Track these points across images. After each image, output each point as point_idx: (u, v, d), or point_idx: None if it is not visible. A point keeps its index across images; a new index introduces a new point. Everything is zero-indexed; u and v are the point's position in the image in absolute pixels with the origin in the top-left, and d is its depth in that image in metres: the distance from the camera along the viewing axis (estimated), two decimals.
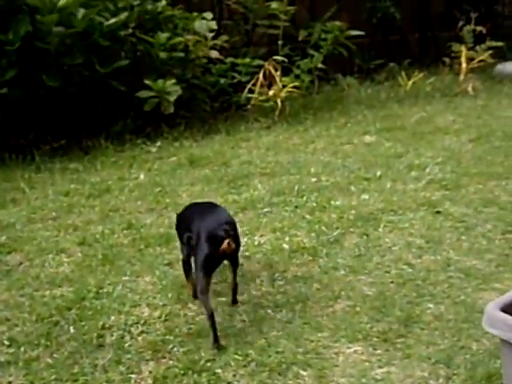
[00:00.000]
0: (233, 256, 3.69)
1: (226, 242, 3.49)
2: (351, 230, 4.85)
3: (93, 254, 4.63)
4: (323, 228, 4.88)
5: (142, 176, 6.25)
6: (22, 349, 3.52)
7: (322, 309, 3.82)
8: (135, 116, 7.71)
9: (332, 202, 5.34)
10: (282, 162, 6.59)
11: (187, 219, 3.92)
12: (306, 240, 4.71)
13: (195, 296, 3.88)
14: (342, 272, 4.25)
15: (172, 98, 7.53)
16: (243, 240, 4.71)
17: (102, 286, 4.16)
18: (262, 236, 4.84)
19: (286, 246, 4.63)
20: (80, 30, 6.96)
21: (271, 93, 8.10)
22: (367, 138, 7.32)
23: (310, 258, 4.47)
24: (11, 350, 3.52)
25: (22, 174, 6.48)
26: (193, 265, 3.80)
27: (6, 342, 3.58)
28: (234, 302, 3.91)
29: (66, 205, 5.60)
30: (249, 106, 8.21)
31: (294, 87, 8.29)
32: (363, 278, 4.17)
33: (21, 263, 4.57)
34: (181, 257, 4.03)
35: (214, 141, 7.56)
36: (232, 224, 3.66)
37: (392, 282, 4.09)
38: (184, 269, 3.98)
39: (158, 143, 7.43)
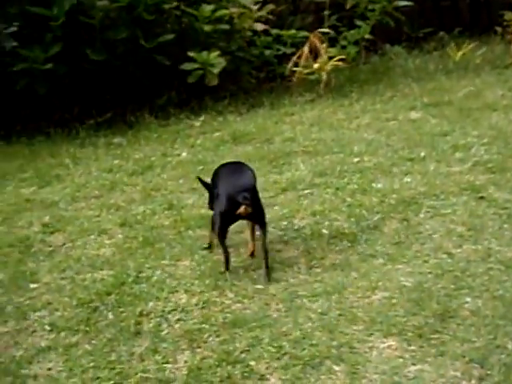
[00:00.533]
0: (253, 217, 4.17)
1: (243, 207, 4.01)
2: (392, 215, 4.80)
3: (133, 236, 4.69)
4: (364, 212, 4.84)
5: (184, 153, 6.27)
6: (63, 334, 3.60)
7: (359, 300, 3.81)
8: (179, 89, 7.72)
9: (373, 185, 5.28)
10: (325, 139, 6.54)
11: (217, 177, 4.41)
12: (345, 225, 4.68)
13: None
14: (381, 260, 4.22)
15: (216, 70, 7.52)
16: (283, 223, 4.75)
17: (142, 270, 4.22)
18: (301, 219, 4.83)
19: (325, 231, 4.62)
20: (124, 4, 6.98)
21: (316, 66, 8.02)
22: (413, 114, 7.20)
23: (349, 244, 4.45)
24: (52, 336, 3.61)
25: (67, 149, 6.57)
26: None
27: (47, 327, 3.67)
28: (267, 267, 4.08)
29: (108, 182, 5.67)
30: (293, 79, 8.13)
31: (340, 59, 8.17)
32: (401, 267, 4.14)
33: (63, 244, 4.66)
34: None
35: (257, 115, 7.54)
36: (252, 191, 4.12)
37: (430, 273, 4.05)
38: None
39: (202, 117, 7.45)
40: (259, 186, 5.39)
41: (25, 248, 4.59)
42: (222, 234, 4.14)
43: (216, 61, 7.52)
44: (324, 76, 7.97)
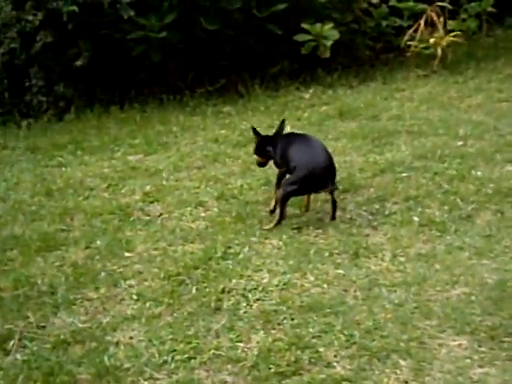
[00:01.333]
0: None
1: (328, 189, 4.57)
2: (487, 205, 4.73)
3: (228, 210, 4.85)
4: (458, 201, 4.79)
5: (288, 127, 6.33)
6: (148, 304, 3.82)
7: (437, 293, 3.81)
8: (291, 60, 7.76)
9: (473, 172, 5.20)
10: (432, 119, 6.45)
11: (292, 144, 4.72)
12: (437, 213, 4.66)
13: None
14: (467, 253, 4.19)
15: (329, 43, 7.52)
16: (375, 207, 4.77)
17: (230, 246, 4.38)
18: (394, 204, 4.84)
19: (416, 218, 4.61)
20: None
21: (432, 40, 7.84)
22: None
23: (438, 233, 4.43)
24: (138, 305, 3.83)
25: (177, 116, 6.80)
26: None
27: (134, 297, 3.90)
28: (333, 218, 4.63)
29: (212, 153, 5.85)
30: (408, 54, 7.99)
31: (457, 34, 7.94)
32: (487, 262, 4.09)
33: (160, 214, 4.88)
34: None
35: (368, 89, 7.51)
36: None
37: None
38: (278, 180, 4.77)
39: (312, 89, 7.49)
40: (358, 165, 5.50)
41: (124, 216, 4.84)
42: (287, 200, 4.55)
43: (329, 33, 7.51)
44: (439, 51, 7.78)
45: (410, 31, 7.96)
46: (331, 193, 4.62)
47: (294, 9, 7.61)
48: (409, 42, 7.94)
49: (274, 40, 7.67)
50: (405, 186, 5.10)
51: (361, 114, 6.67)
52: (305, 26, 7.48)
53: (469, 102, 6.92)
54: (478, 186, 4.98)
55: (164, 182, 5.36)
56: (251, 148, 5.90)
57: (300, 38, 7.54)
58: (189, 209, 4.93)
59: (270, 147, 4.82)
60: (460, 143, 5.78)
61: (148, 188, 5.25)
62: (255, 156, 5.00)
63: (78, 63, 6.89)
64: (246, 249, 4.34)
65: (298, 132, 5.18)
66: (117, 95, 7.09)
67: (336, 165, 5.29)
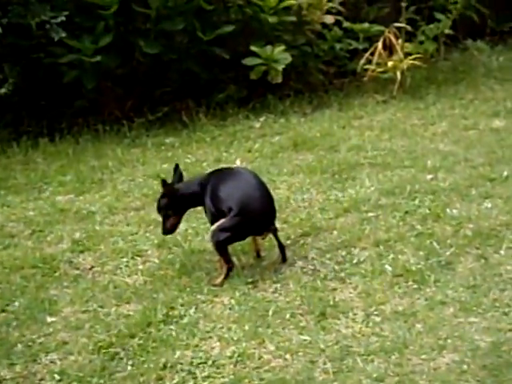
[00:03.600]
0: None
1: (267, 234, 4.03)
2: (467, 249, 4.15)
3: (170, 262, 4.18)
4: (435, 245, 4.20)
5: (238, 162, 5.69)
6: None
7: (423, 363, 3.19)
8: (240, 86, 7.14)
9: (448, 210, 4.62)
10: (395, 149, 5.88)
11: (219, 184, 4.04)
12: (412, 260, 4.06)
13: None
14: (451, 310, 3.59)
15: (280, 67, 6.91)
16: (341, 254, 4.18)
17: (173, 307, 3.70)
18: (362, 250, 4.23)
19: (388, 267, 4.00)
20: None
21: (390, 64, 7.32)
22: (496, 123, 6.45)
23: (416, 285, 3.82)
24: None
25: (114, 150, 6.10)
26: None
27: (56, 376, 3.19)
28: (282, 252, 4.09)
29: (152, 192, 5.15)
30: (365, 78, 7.44)
31: (417, 57, 7.43)
32: (476, 320, 3.49)
33: (92, 267, 4.18)
34: None
35: (324, 117, 6.91)
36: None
37: (510, 330, 3.40)
38: None
39: (263, 117, 6.87)
40: (318, 204, 4.87)
41: (49, 270, 4.12)
42: (224, 250, 3.92)
43: (281, 56, 6.92)
44: (398, 75, 7.26)
45: (367, 54, 7.41)
46: (274, 234, 4.03)
47: (241, 31, 7.00)
48: (366, 66, 7.38)
49: (221, 64, 7.05)
50: (373, 227, 4.49)
51: (317, 145, 6.07)
52: (254, 48, 6.88)
53: (433, 130, 6.39)
54: (455, 227, 4.41)
55: (97, 227, 4.65)
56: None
57: (249, 61, 6.93)
58: (125, 260, 4.23)
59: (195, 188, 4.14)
60: (430, 177, 5.21)
61: (78, 235, 4.53)
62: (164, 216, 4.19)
63: (2, 91, 6.13)
64: (192, 310, 3.67)
65: (227, 167, 4.60)
66: (46, 126, 6.34)
67: (293, 204, 4.70)
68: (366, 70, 7.47)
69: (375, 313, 3.59)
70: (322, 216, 4.69)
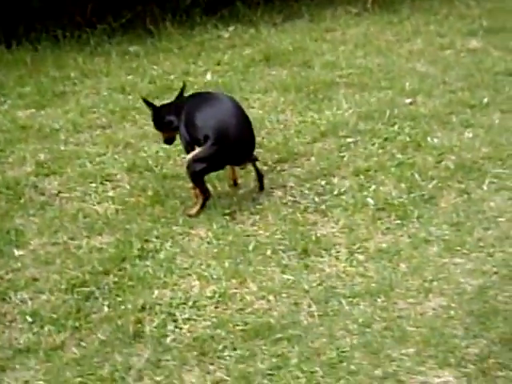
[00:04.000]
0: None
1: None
2: (449, 183, 4.03)
3: (142, 188, 3.97)
4: (416, 176, 4.06)
5: (208, 76, 5.42)
6: (46, 329, 2.94)
7: (409, 306, 3.10)
8: None
9: (429, 139, 4.47)
10: (371, 67, 5.66)
11: (196, 108, 3.80)
12: (394, 193, 3.93)
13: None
14: (435, 249, 3.48)
15: None
16: (320, 183, 4.02)
17: (148, 239, 3.53)
18: (342, 179, 4.08)
19: (370, 200, 3.86)
20: None
21: None
22: (472, 43, 6.24)
23: (399, 221, 3.70)
24: (34, 330, 2.94)
25: (75, 58, 5.76)
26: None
27: (29, 318, 3.00)
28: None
29: (119, 108, 4.89)
30: None
31: None
32: (461, 261, 3.40)
33: (58, 192, 3.95)
34: None
35: (295, 27, 6.63)
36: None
37: (496, 273, 3.32)
38: None
39: (232, 27, 6.56)
40: (294, 127, 4.68)
41: (13, 196, 3.87)
42: (201, 181, 3.73)
43: None
44: None
45: None
46: (253, 164, 3.87)
47: None
48: None
49: None
50: (352, 155, 4.33)
51: (290, 60, 5.81)
52: None
53: (409, 48, 6.17)
54: (436, 158, 4.28)
55: (62, 147, 4.39)
56: (164, 101, 5.01)
57: None
58: (93, 185, 4.02)
59: (171, 117, 3.89)
60: (408, 100, 5.03)
61: (42, 156, 4.27)
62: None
63: None
64: (169, 244, 3.50)
65: (205, 91, 4.33)
66: (1, 32, 5.91)
67: (268, 125, 4.48)
68: None
69: (359, 250, 3.47)
70: (298, 140, 4.51)
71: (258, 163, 3.91)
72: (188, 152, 3.78)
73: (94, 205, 3.83)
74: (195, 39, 6.25)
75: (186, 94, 4.01)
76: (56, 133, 4.56)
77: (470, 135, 4.54)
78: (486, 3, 7.44)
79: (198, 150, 3.68)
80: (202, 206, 3.74)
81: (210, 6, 6.69)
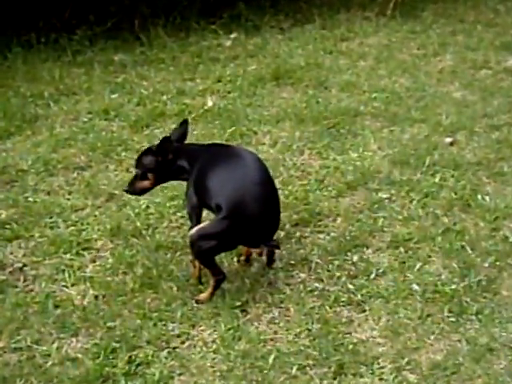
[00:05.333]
0: None
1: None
2: (509, 261, 3.25)
3: (128, 262, 3.14)
4: (468, 250, 3.30)
5: (209, 102, 4.58)
6: None
7: None
8: None
9: (479, 197, 3.67)
10: (399, 91, 4.87)
11: (212, 167, 2.95)
12: (444, 275, 3.16)
13: None
14: (503, 362, 2.70)
15: None
16: (352, 258, 3.20)
17: (137, 345, 2.71)
18: (378, 252, 3.32)
19: (416, 286, 3.09)
20: None
21: None
22: (510, 62, 5.44)
23: (453, 318, 2.94)
24: None
25: (50, 70, 4.88)
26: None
27: None
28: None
29: (100, 144, 4.04)
30: None
31: None
32: None
33: (23, 266, 3.12)
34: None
35: (305, 35, 5.81)
36: None
37: None
38: None
39: (234, 34, 5.70)
40: (315, 173, 3.87)
41: None
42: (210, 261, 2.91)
43: None
44: None
45: None
46: (271, 251, 3.11)
47: None
48: None
49: None
50: (387, 216, 3.54)
51: (303, 79, 4.99)
52: None
53: (438, 65, 5.38)
54: (490, 223, 3.51)
55: (30, 198, 3.55)
56: (158, 131, 4.21)
57: None
58: (68, 256, 3.18)
59: (184, 162, 3.03)
60: (448, 140, 4.24)
61: (4, 213, 3.41)
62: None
63: None
64: (164, 352, 2.72)
65: (226, 145, 3.47)
66: None
67: (283, 170, 3.73)
68: None
69: (408, 367, 2.69)
70: (321, 193, 3.70)
71: None
72: (191, 217, 2.96)
73: (67, 287, 3.00)
74: (191, 48, 5.40)
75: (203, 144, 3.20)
76: (24, 176, 3.71)
77: None
78: None
79: (205, 223, 2.86)
80: (216, 289, 2.95)
81: (207, 8, 5.82)
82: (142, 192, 3.11)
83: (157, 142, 3.07)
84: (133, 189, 3.07)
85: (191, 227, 2.91)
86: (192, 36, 5.58)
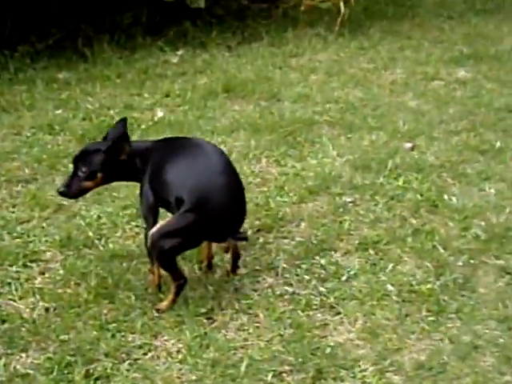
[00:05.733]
0: None
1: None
2: (483, 258, 3.13)
3: (81, 273, 2.90)
4: (440, 250, 3.15)
5: (159, 112, 4.39)
6: None
7: None
8: (150, 10, 5.72)
9: (445, 197, 3.55)
10: (353, 101, 4.75)
11: (167, 159, 2.73)
12: (418, 275, 2.99)
13: None
14: (490, 359, 2.54)
15: None
16: (320, 261, 3.02)
17: (94, 358, 2.46)
18: (347, 255, 3.12)
19: (390, 286, 2.91)
20: None
21: None
22: (461, 74, 5.43)
23: (433, 317, 2.76)
24: None
25: None
26: None
27: None
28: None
29: (46, 156, 3.79)
30: (301, 7, 6.19)
31: None
32: None
33: None
34: None
35: (253, 52, 5.68)
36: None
37: None
38: None
39: (180, 51, 5.54)
40: (274, 180, 3.70)
41: None
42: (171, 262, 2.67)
43: None
44: (342, 6, 6.05)
45: None
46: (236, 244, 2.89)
47: None
48: None
49: None
50: (353, 219, 3.37)
51: (254, 92, 4.84)
52: None
53: (389, 77, 5.31)
54: (460, 223, 3.38)
55: None
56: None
57: None
58: (14, 269, 2.92)
59: (137, 160, 2.78)
60: (409, 145, 4.12)
61: None
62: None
63: None
64: (125, 364, 2.45)
65: (181, 137, 3.22)
66: None
67: (242, 178, 3.50)
68: None
69: (391, 368, 2.50)
70: (281, 200, 3.52)
71: None
72: (147, 219, 2.73)
73: (14, 300, 2.73)
74: (137, 64, 5.22)
75: (155, 139, 2.98)
76: None
77: (493, 191, 3.65)
78: (459, 28, 6.71)
79: (165, 220, 2.64)
80: (177, 295, 2.72)
81: (153, 26, 5.65)
82: (80, 193, 2.79)
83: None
84: (71, 190, 2.74)
85: (148, 229, 2.69)
86: (138, 53, 5.40)
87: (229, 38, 5.91)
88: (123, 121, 2.85)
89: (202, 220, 2.58)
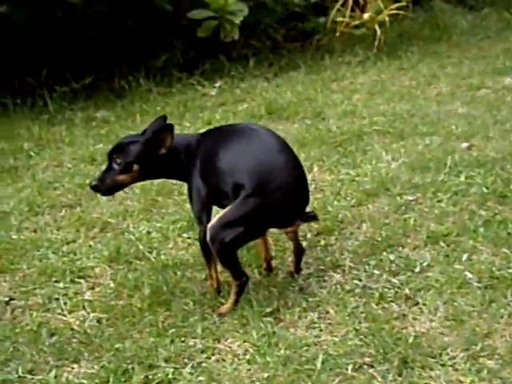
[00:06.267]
0: None
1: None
2: None
3: (133, 284, 2.70)
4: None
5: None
6: None
7: None
8: (185, 46, 5.66)
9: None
10: (400, 113, 4.55)
11: (221, 145, 2.54)
12: (497, 262, 2.72)
13: None
14: None
15: (237, 20, 5.48)
16: (388, 257, 2.78)
17: (154, 365, 2.24)
18: (416, 249, 2.87)
19: (469, 274, 2.66)
20: None
21: (366, 16, 5.97)
22: (508, 81, 5.21)
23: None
24: None
25: (29, 128, 4.54)
26: None
27: None
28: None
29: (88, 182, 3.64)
30: (337, 34, 6.08)
31: (398, 7, 6.13)
32: None
33: (10, 300, 2.67)
34: None
35: (292, 81, 5.54)
36: None
37: None
38: None
39: (218, 83, 5.43)
40: (329, 187, 3.50)
41: None
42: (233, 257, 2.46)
43: (237, 7, 5.48)
44: (378, 30, 5.93)
45: (337, 6, 6.02)
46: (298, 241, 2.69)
47: None
48: (339, 18, 6.00)
49: (162, 19, 5.54)
50: (418, 216, 3.13)
51: (298, 112, 4.69)
52: None
53: (434, 91, 5.11)
54: None
55: (14, 236, 3.12)
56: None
57: (197, 14, 5.46)
58: (61, 285, 2.73)
59: (183, 156, 2.59)
60: (465, 145, 3.89)
61: None
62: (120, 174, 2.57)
63: None
64: (187, 368, 2.24)
65: (228, 124, 3.12)
66: None
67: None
68: (336, 23, 6.09)
69: (483, 353, 2.23)
70: (339, 204, 3.31)
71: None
72: (200, 218, 2.53)
73: (63, 315, 2.54)
74: (176, 98, 5.11)
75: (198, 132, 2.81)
76: (5, 217, 3.30)
77: None
78: (498, 44, 6.51)
79: (224, 211, 2.43)
80: (239, 295, 2.50)
81: (188, 62, 5.58)
82: (114, 188, 2.57)
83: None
84: (104, 184, 2.54)
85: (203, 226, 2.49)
86: (175, 88, 5.30)
87: (266, 70, 5.80)
88: (163, 117, 2.69)
89: (266, 204, 2.38)
